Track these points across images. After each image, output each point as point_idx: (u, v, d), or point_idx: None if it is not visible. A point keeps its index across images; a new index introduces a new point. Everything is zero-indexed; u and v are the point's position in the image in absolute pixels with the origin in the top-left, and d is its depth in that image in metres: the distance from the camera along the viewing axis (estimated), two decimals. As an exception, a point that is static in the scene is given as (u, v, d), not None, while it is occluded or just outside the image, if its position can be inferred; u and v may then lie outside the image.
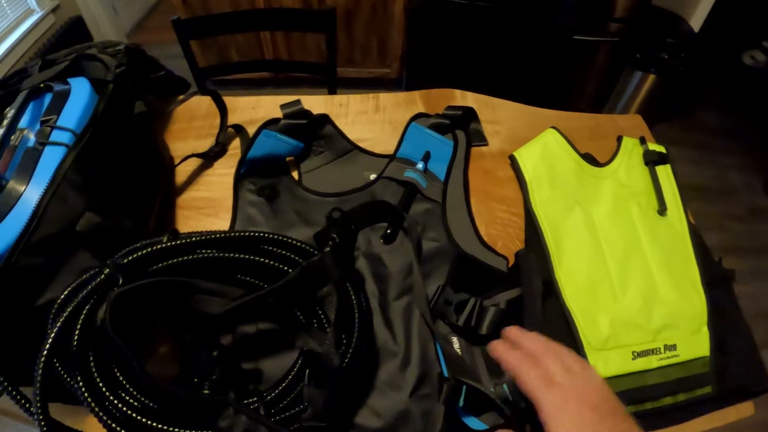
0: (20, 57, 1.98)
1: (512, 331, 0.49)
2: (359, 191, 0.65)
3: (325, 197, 0.65)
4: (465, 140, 0.71)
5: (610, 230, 0.67)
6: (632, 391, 0.56)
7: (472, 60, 1.53)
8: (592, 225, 0.67)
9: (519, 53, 1.46)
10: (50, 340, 0.42)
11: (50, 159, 0.52)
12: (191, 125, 0.79)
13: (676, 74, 1.26)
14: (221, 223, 0.67)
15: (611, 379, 0.56)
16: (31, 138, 0.55)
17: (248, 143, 0.66)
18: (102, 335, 0.44)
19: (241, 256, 0.48)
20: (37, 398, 0.40)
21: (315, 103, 0.78)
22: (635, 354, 0.58)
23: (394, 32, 1.78)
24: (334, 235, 0.51)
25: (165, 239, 0.49)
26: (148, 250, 0.48)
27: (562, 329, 0.59)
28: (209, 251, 0.48)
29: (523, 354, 0.45)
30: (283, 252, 0.50)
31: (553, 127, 0.73)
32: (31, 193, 0.49)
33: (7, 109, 0.60)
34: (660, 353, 0.59)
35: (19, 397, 0.42)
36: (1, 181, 0.50)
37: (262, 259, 0.48)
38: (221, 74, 1.17)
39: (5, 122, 0.56)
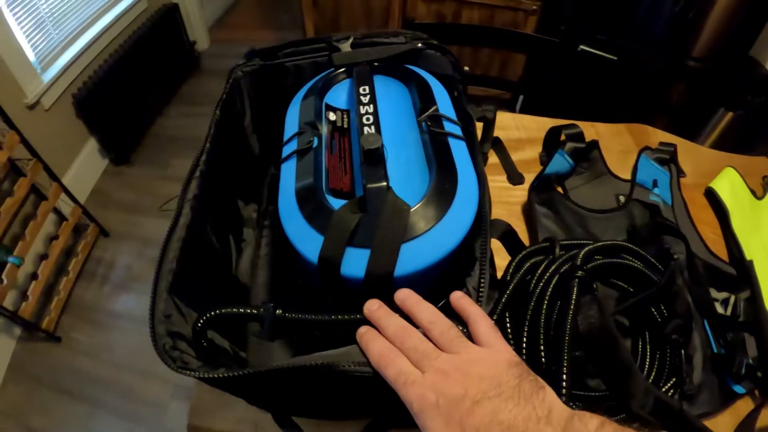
0: (113, 39, 1.93)
1: (401, 297, 0.39)
2: (619, 210, 0.78)
3: (593, 212, 0.77)
4: (676, 172, 0.87)
5: (774, 252, 0.85)
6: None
7: (580, 90, 1.72)
8: (764, 246, 0.85)
9: (621, 89, 1.68)
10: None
11: (459, 151, 0.49)
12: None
13: (757, 115, 1.51)
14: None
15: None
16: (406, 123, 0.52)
17: (546, 161, 0.77)
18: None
19: (625, 262, 0.59)
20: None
21: (542, 124, 0.89)
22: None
23: (516, 55, 1.87)
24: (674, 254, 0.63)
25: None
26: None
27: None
28: (600, 257, 0.59)
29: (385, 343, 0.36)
30: (638, 262, 0.62)
31: (731, 167, 0.91)
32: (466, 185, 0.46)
33: (333, 76, 0.59)
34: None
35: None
36: (379, 182, 0.43)
37: (640, 266, 0.60)
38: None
39: (364, 98, 0.51)
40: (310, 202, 0.46)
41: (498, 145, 0.85)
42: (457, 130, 0.52)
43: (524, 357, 0.52)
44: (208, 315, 0.40)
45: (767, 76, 1.49)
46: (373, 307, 0.38)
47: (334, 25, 1.93)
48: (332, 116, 0.56)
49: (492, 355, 0.34)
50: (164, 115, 2.39)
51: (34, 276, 1.56)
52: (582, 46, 1.50)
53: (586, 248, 0.56)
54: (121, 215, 1.97)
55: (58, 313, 1.66)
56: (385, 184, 0.42)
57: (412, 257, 0.40)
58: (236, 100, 0.66)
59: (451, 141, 0.50)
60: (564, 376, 0.46)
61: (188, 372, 0.37)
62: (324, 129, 0.54)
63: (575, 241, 0.60)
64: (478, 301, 0.39)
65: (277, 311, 0.39)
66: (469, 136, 0.53)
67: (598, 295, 0.52)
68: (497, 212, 0.78)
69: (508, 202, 0.79)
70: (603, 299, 0.53)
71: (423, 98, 0.54)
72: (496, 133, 0.86)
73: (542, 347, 0.51)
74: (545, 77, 1.65)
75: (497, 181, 0.83)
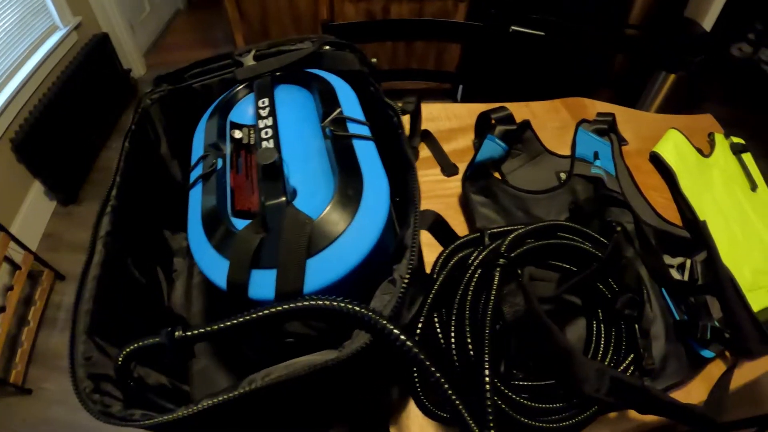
0: (45, 77, 1.88)
1: None
2: (560, 188, 0.76)
3: (533, 194, 0.75)
4: (617, 141, 0.85)
5: (728, 206, 0.84)
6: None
7: (517, 71, 1.71)
8: (716, 203, 0.84)
9: (560, 66, 1.67)
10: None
11: (366, 153, 0.47)
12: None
13: (698, 74, 1.51)
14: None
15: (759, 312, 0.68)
16: (306, 131, 0.50)
17: (477, 147, 0.74)
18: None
19: (562, 241, 0.57)
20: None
21: (473, 111, 0.86)
22: (768, 292, 0.74)
23: (452, 45, 1.84)
24: (617, 223, 0.61)
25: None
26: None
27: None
28: (532, 240, 0.57)
29: None
30: (578, 239, 0.60)
31: (674, 128, 0.90)
32: (374, 187, 0.43)
33: (235, 93, 0.57)
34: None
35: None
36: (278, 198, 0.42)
37: (580, 243, 0.58)
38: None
39: (263, 111, 0.51)
40: (215, 227, 0.44)
41: (428, 138, 0.82)
42: (364, 130, 0.50)
43: (454, 353, 0.49)
44: (124, 353, 0.39)
45: (704, 34, 1.50)
46: None
47: (263, 35, 1.89)
48: (238, 134, 0.53)
49: None
50: (107, 148, 2.29)
51: (-7, 331, 1.50)
52: (513, 27, 1.48)
53: (512, 234, 0.53)
54: (74, 256, 1.89)
55: (25, 364, 1.60)
56: (284, 199, 0.41)
57: (322, 270, 0.38)
58: (148, 129, 0.63)
59: (357, 142, 0.48)
60: (486, 370, 0.43)
61: (108, 419, 0.35)
62: (228, 148, 0.51)
63: (505, 228, 0.58)
64: (401, 288, 0.37)
65: (177, 333, 0.37)
66: (394, 127, 0.51)
67: (524, 281, 0.50)
68: (432, 207, 0.75)
69: (444, 195, 0.76)
70: (529, 285, 0.51)
71: (326, 102, 0.52)
72: (426, 125, 0.83)
73: (469, 341, 0.48)
74: (482, 63, 1.63)
75: (430, 174, 0.80)
